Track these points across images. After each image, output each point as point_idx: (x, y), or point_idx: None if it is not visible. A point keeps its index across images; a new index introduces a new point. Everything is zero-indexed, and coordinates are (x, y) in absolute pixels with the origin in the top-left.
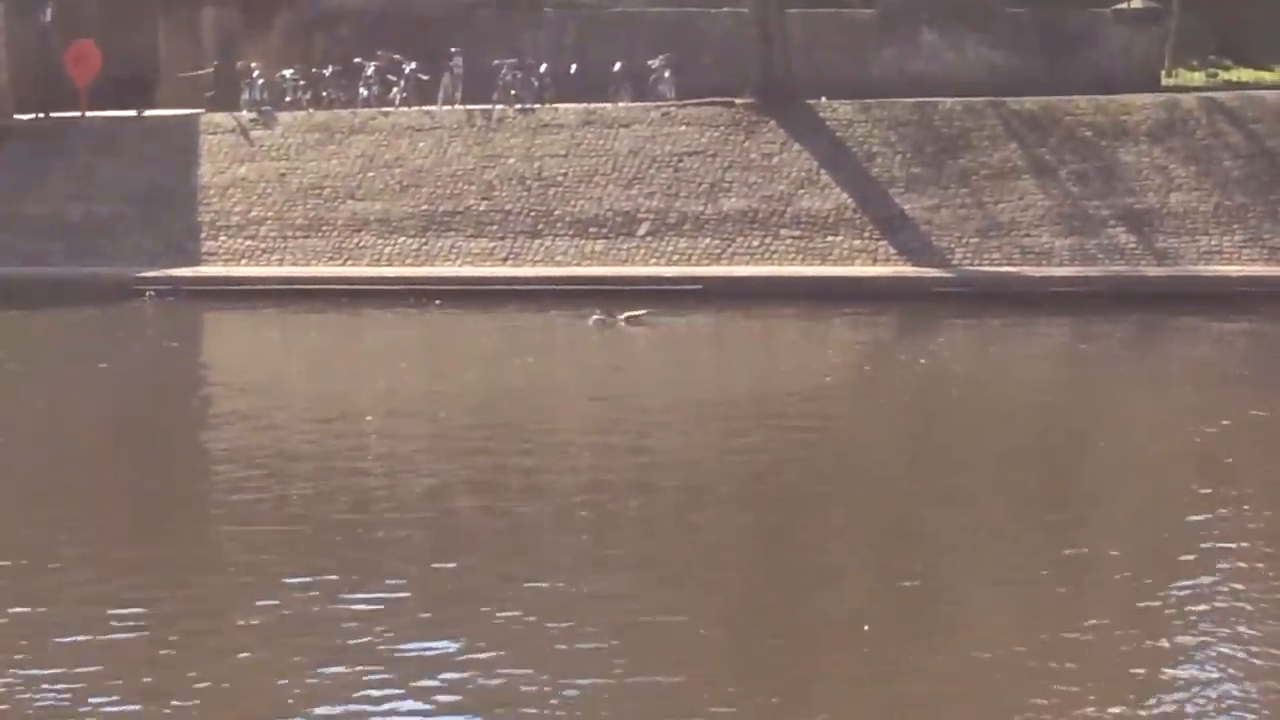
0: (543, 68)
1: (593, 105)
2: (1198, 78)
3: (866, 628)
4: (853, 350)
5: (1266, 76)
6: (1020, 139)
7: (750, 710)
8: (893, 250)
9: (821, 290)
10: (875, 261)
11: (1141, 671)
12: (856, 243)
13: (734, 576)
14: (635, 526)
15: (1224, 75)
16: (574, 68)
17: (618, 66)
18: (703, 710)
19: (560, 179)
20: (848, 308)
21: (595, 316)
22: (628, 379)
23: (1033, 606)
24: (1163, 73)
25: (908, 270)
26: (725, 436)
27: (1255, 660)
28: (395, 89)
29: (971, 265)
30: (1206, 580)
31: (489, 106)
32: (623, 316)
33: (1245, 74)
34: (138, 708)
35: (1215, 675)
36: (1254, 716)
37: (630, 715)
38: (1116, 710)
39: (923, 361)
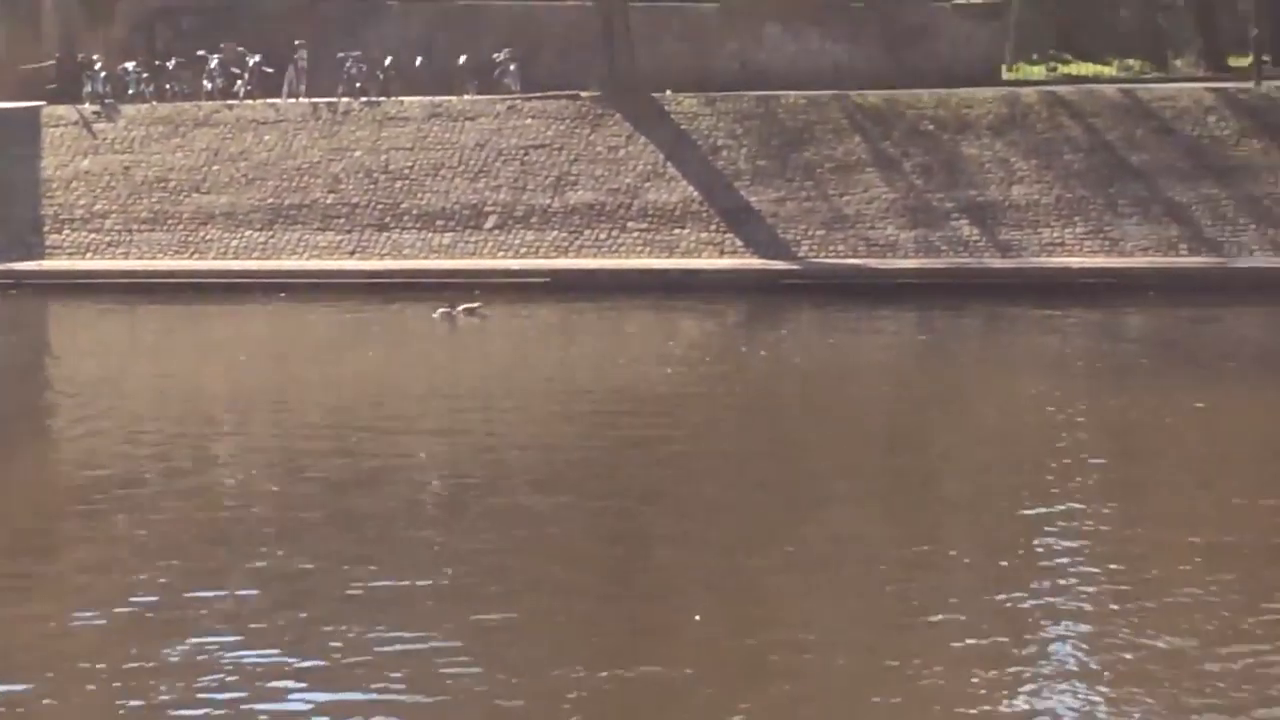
0: (387, 60)
1: (438, 99)
2: (1038, 72)
3: (698, 617)
4: (696, 343)
5: (1105, 70)
6: (864, 132)
7: (599, 705)
8: (739, 243)
9: (668, 283)
10: (722, 254)
11: (990, 663)
12: (703, 235)
13: (579, 569)
14: (479, 519)
15: (1063, 69)
16: (419, 61)
17: (463, 60)
18: (548, 708)
19: (407, 172)
20: (694, 300)
21: (441, 310)
22: (473, 372)
23: (877, 602)
24: (1003, 67)
25: (754, 263)
26: (568, 428)
27: (1105, 649)
28: (239, 82)
29: (817, 257)
30: (1060, 570)
31: (334, 99)
32: (460, 309)
33: (1084, 68)
34: None
35: (1068, 667)
36: (1103, 705)
37: (478, 715)
38: (969, 700)
39: (763, 354)
